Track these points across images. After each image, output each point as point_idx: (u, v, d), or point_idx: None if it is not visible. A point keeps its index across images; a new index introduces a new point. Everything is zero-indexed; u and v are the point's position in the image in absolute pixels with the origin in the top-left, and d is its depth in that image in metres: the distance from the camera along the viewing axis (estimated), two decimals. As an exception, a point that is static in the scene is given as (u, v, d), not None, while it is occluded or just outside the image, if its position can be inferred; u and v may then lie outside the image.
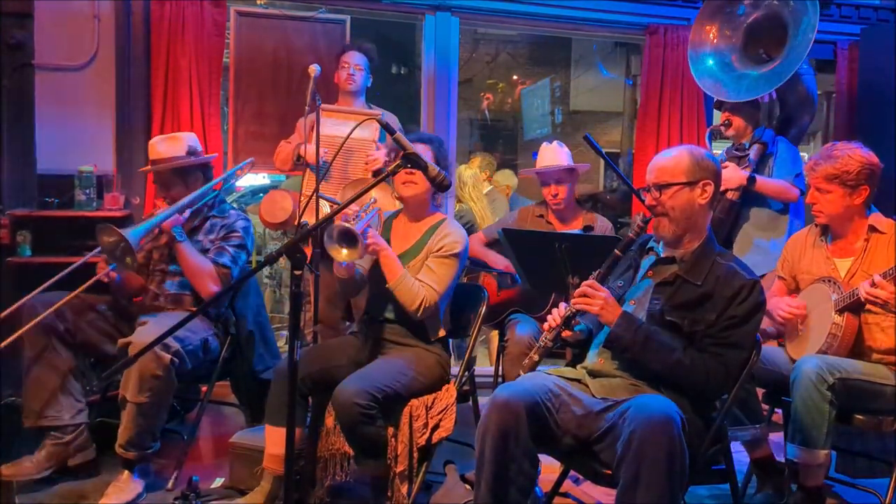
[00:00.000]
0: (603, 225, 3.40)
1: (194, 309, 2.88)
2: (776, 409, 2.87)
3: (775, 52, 3.53)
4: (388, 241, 2.69)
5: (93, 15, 3.66)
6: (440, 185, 2.10)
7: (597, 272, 2.13)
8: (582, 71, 9.59)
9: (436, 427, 2.49)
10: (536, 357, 2.16)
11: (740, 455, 2.68)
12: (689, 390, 2.03)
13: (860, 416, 2.43)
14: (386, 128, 2.07)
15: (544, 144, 3.47)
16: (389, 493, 2.45)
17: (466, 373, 2.74)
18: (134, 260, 2.70)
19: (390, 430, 2.44)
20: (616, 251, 2.13)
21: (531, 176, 3.52)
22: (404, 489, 2.44)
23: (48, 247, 3.35)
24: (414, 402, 2.49)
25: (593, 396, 2.10)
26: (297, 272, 1.77)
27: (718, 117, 3.71)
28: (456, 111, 4.32)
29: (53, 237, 3.36)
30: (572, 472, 2.59)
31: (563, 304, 2.16)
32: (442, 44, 4.22)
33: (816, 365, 2.35)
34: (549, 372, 2.23)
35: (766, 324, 2.72)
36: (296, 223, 2.36)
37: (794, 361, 2.54)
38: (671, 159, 2.16)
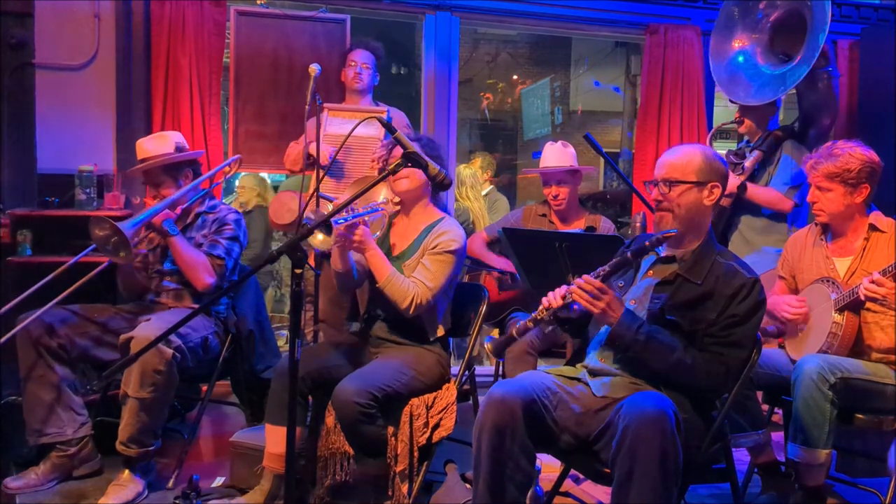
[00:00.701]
0: (606, 227, 3.39)
1: (195, 306, 2.89)
2: (776, 410, 2.87)
3: (793, 52, 3.53)
4: (389, 240, 2.69)
5: (93, 15, 3.66)
6: (440, 184, 2.10)
7: (601, 270, 2.07)
8: (582, 71, 9.59)
9: (436, 426, 2.49)
10: (531, 324, 2.10)
11: (740, 454, 2.68)
12: (691, 389, 2.03)
13: (861, 416, 2.43)
14: (387, 126, 2.07)
15: (549, 144, 3.45)
16: (390, 493, 2.45)
17: (467, 372, 2.74)
18: (128, 254, 2.67)
19: (390, 429, 2.44)
20: (628, 254, 2.08)
21: (534, 175, 3.52)
22: (404, 488, 2.44)
23: (48, 246, 3.34)
24: (414, 401, 2.49)
25: (594, 395, 2.10)
26: (298, 271, 1.77)
27: (719, 116, 3.72)
28: (456, 111, 4.32)
29: (54, 237, 3.35)
30: (572, 472, 2.59)
31: (565, 288, 2.09)
32: (442, 44, 4.22)
33: (817, 364, 2.35)
34: (549, 371, 2.23)
35: (766, 323, 2.73)
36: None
37: (794, 361, 2.54)
38: (683, 157, 2.15)
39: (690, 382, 2.01)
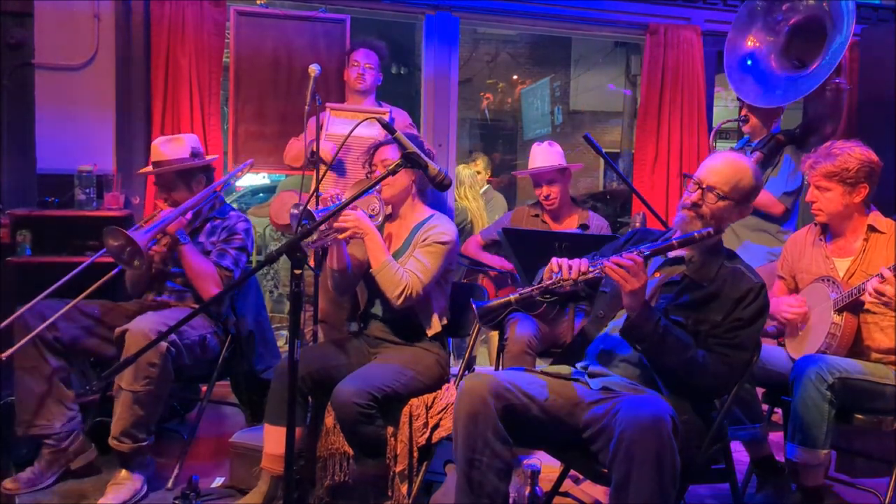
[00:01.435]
0: (598, 223, 3.40)
1: (196, 305, 2.89)
2: (776, 409, 2.88)
3: (809, 60, 3.52)
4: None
5: (93, 15, 3.66)
6: (440, 184, 2.09)
7: (643, 248, 2.02)
8: (582, 71, 9.59)
9: (436, 426, 2.49)
10: (536, 293, 2.06)
11: (740, 455, 2.68)
12: (696, 389, 2.02)
13: (860, 416, 2.44)
14: (386, 127, 2.06)
15: (535, 145, 3.47)
16: (389, 493, 2.45)
17: (466, 372, 2.73)
18: (142, 262, 2.70)
19: (390, 429, 2.44)
20: (674, 241, 2.03)
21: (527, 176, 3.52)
22: (404, 489, 2.44)
23: (48, 246, 3.35)
24: (414, 401, 2.49)
25: (589, 389, 2.09)
26: (297, 272, 1.77)
27: (719, 116, 3.72)
28: (456, 111, 4.32)
29: (53, 237, 3.36)
30: (572, 472, 2.59)
31: (585, 261, 2.03)
32: (442, 43, 4.22)
33: (816, 364, 2.35)
34: (543, 370, 2.23)
35: (767, 323, 2.73)
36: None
37: (793, 361, 2.54)
38: (737, 172, 2.10)
39: (698, 381, 2.00)
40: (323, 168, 3.25)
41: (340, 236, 2.45)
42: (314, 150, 3.28)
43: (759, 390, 2.75)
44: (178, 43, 3.73)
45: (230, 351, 2.99)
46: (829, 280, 2.57)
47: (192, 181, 2.92)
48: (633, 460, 1.78)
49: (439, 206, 3.50)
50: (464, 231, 4.74)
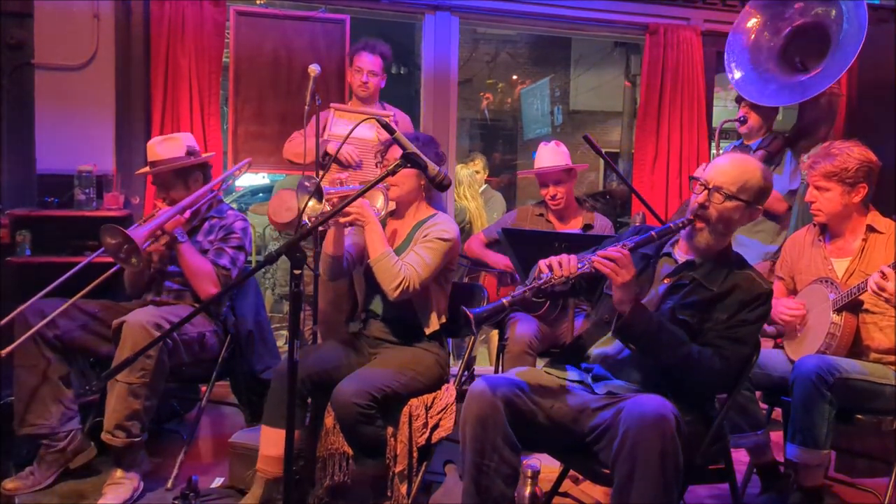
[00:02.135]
0: (602, 223, 3.40)
1: (195, 304, 2.89)
2: (775, 410, 2.87)
3: (811, 64, 3.51)
4: None
5: (92, 15, 3.65)
6: (440, 185, 2.09)
7: (627, 242, 2.03)
8: (582, 71, 9.59)
9: (435, 427, 2.49)
10: (529, 294, 2.00)
11: (740, 455, 2.68)
12: (692, 385, 2.01)
13: (860, 416, 2.44)
14: (386, 128, 2.06)
15: (542, 145, 3.46)
16: (389, 493, 2.45)
17: (466, 372, 2.73)
18: (140, 260, 2.70)
19: (389, 429, 2.44)
20: (653, 234, 2.06)
21: (531, 176, 3.52)
22: (404, 489, 2.44)
23: (48, 246, 3.35)
24: (413, 401, 2.49)
25: (594, 393, 2.09)
26: (297, 272, 1.77)
27: (719, 116, 3.71)
28: (456, 111, 4.32)
29: (53, 237, 3.35)
30: (572, 472, 2.59)
31: (574, 259, 2.01)
32: (442, 43, 4.22)
33: (816, 365, 2.35)
34: (544, 370, 2.23)
35: (766, 324, 2.73)
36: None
37: (793, 362, 2.54)
38: (745, 172, 2.07)
39: (694, 377, 2.00)
40: (329, 164, 3.24)
41: (342, 220, 2.45)
42: (326, 150, 3.26)
43: (758, 394, 2.75)
44: (178, 43, 3.73)
45: (230, 351, 2.99)
46: (827, 281, 2.57)
47: (189, 179, 2.93)
48: (636, 458, 1.78)
49: (437, 208, 3.49)
50: (463, 231, 4.74)
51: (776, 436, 2.82)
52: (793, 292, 2.75)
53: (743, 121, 3.56)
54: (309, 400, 2.58)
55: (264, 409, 2.54)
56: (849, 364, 2.40)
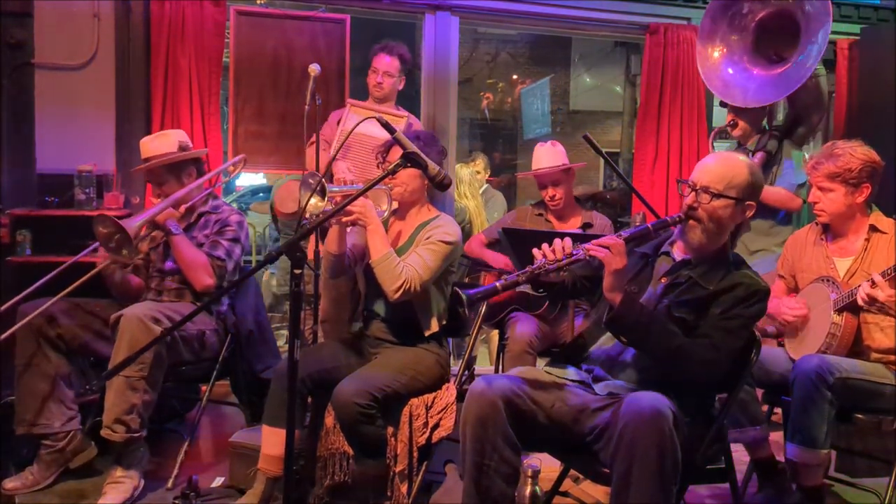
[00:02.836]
0: (601, 223, 3.40)
1: (195, 303, 2.88)
2: (775, 409, 2.87)
3: (787, 53, 3.48)
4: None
5: (92, 14, 3.65)
6: (440, 184, 2.09)
7: (622, 233, 2.04)
8: (582, 71, 9.60)
9: (436, 426, 2.49)
10: (522, 278, 2.01)
11: (741, 455, 2.68)
12: (685, 376, 2.00)
13: (860, 416, 2.44)
14: (386, 127, 2.06)
15: (538, 146, 3.46)
16: (389, 493, 2.45)
17: (466, 371, 2.73)
18: (131, 252, 2.69)
19: (390, 429, 2.44)
20: (647, 225, 2.08)
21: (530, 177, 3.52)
22: (404, 488, 2.44)
23: (48, 246, 3.34)
24: (414, 401, 2.49)
25: (595, 394, 2.09)
26: (297, 271, 1.77)
27: (719, 116, 3.70)
28: (456, 111, 4.32)
29: (53, 236, 3.35)
30: (572, 472, 2.59)
31: (568, 241, 2.01)
32: (442, 43, 4.22)
33: (816, 364, 2.35)
34: (545, 369, 2.23)
35: (766, 323, 2.73)
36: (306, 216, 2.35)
37: (793, 361, 2.54)
38: (731, 169, 2.08)
39: (685, 368, 1.99)
40: (324, 165, 3.25)
41: (344, 219, 2.45)
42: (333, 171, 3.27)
43: (759, 391, 2.75)
44: (178, 42, 3.72)
45: (230, 351, 2.99)
46: (828, 280, 2.57)
47: (181, 174, 2.93)
48: (634, 455, 1.78)
49: (439, 208, 3.50)
50: (462, 231, 4.73)
51: (776, 435, 2.81)
52: (794, 291, 2.75)
53: (733, 125, 3.55)
54: (309, 399, 2.58)
55: (265, 409, 2.54)
56: (849, 364, 2.40)
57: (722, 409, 2.10)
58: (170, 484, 2.75)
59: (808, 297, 2.64)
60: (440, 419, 2.50)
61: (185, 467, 2.83)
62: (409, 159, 1.97)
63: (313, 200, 2.32)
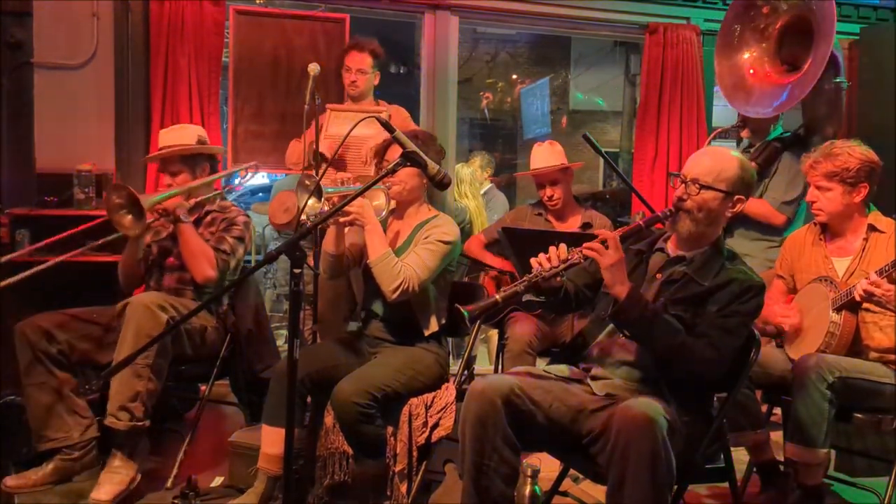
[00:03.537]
0: (601, 222, 3.40)
1: (195, 301, 2.88)
2: (775, 409, 2.87)
3: (800, 62, 3.41)
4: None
5: (92, 14, 3.66)
6: (440, 183, 2.09)
7: (616, 231, 2.06)
8: (582, 70, 9.60)
9: (435, 426, 2.49)
10: (521, 288, 2.01)
11: (740, 454, 2.68)
12: (685, 374, 2.00)
13: (859, 415, 2.43)
14: (386, 126, 2.06)
15: (536, 146, 3.45)
16: (388, 493, 2.45)
17: (466, 371, 2.73)
18: (140, 227, 2.69)
19: (389, 429, 2.44)
20: (639, 222, 2.10)
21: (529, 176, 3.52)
22: (403, 488, 2.44)
23: (47, 246, 3.34)
24: (413, 400, 2.49)
25: (593, 394, 2.09)
26: (297, 271, 1.77)
27: (718, 115, 3.69)
28: (455, 110, 4.32)
29: (52, 236, 3.34)
30: (572, 472, 2.59)
31: (563, 246, 2.03)
32: (441, 43, 4.22)
33: (816, 364, 2.35)
34: (544, 369, 2.23)
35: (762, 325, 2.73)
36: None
37: (792, 361, 2.54)
38: (720, 162, 2.09)
39: (686, 366, 1.98)
40: (323, 166, 3.24)
41: (342, 220, 2.45)
42: (315, 149, 3.27)
43: (759, 391, 2.75)
44: (178, 42, 3.73)
45: (229, 350, 2.99)
46: (827, 280, 2.57)
47: (196, 167, 2.95)
48: (627, 461, 1.79)
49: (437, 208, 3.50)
50: (463, 231, 4.73)
51: (776, 435, 2.81)
52: (793, 291, 2.75)
53: (742, 126, 3.53)
54: (309, 399, 2.58)
55: (264, 409, 2.54)
56: (849, 363, 2.40)
57: (721, 408, 2.10)
58: (169, 483, 2.75)
59: (806, 297, 2.63)
60: (440, 419, 2.50)
61: (185, 467, 2.82)
62: (409, 158, 1.97)
63: (310, 202, 2.32)
